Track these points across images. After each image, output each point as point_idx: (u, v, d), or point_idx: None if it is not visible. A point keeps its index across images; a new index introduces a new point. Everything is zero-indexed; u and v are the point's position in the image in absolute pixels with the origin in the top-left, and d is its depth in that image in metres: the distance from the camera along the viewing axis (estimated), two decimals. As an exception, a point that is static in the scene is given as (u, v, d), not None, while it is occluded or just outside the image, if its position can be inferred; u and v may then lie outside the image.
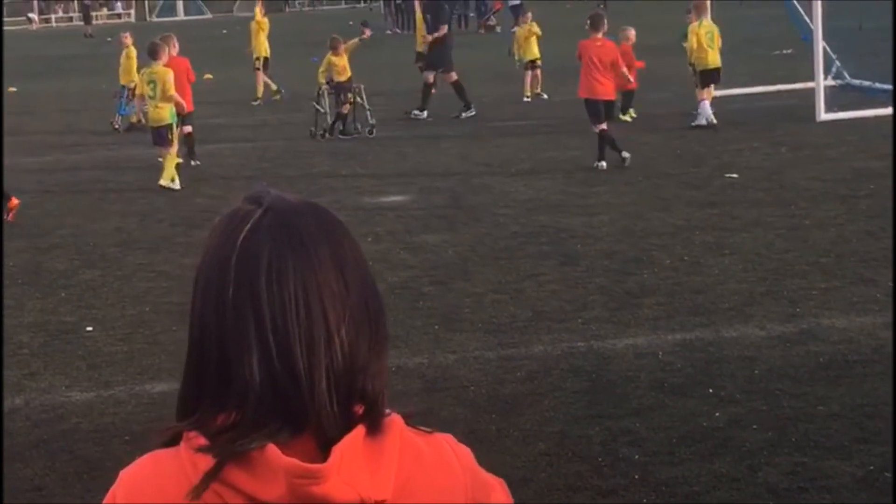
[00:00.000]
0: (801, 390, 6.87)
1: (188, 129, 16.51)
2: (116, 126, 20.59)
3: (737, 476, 5.82)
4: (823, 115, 17.34)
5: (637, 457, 6.10)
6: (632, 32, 19.12)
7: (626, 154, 14.56)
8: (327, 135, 18.62)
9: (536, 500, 5.72)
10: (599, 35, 15.02)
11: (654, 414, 6.65)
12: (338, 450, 1.53)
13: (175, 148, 14.92)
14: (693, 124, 17.31)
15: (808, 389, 6.87)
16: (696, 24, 17.74)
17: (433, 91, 20.62)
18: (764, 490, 5.68)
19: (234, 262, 1.57)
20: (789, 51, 25.57)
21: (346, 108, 18.83)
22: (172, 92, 14.64)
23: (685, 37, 18.78)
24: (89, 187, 15.12)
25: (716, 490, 5.70)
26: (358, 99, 18.96)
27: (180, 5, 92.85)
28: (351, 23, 52.05)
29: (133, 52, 20.80)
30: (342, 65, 19.07)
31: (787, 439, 6.20)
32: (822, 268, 9.48)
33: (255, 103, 23.45)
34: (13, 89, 29.93)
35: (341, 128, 18.75)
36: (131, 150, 18.58)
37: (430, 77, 20.61)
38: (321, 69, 19.12)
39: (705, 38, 17.64)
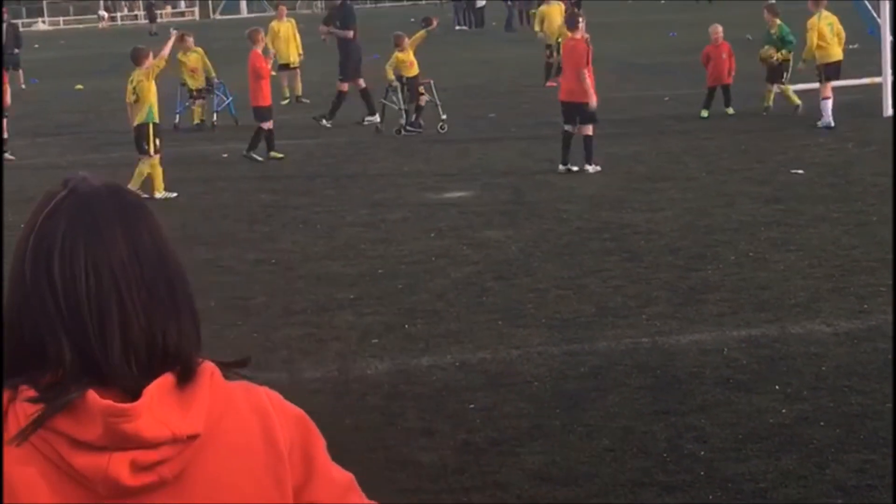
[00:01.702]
0: (869, 387, 6.79)
1: (268, 125, 16.76)
2: (176, 123, 20.80)
3: (804, 473, 5.76)
4: (891, 111, 17.13)
5: (702, 453, 6.06)
6: (718, 29, 18.94)
7: (589, 167, 14.32)
8: (404, 130, 18.64)
9: (601, 496, 5.70)
10: (577, 35, 14.60)
11: (720, 410, 6.60)
12: (148, 391, 1.66)
13: (158, 157, 14.60)
14: (820, 125, 16.66)
15: (876, 387, 6.79)
16: (815, 17, 17.11)
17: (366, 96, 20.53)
18: (832, 487, 5.62)
19: (32, 239, 1.71)
20: (856, 46, 25.23)
21: (423, 100, 18.84)
22: (149, 94, 14.49)
23: (775, 36, 18.38)
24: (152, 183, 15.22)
25: (783, 487, 5.65)
26: (427, 94, 18.98)
27: (244, 3, 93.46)
28: (412, 19, 52.11)
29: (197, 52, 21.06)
30: (409, 60, 19.09)
31: (856, 436, 6.13)
32: (890, 265, 9.35)
33: (283, 103, 23.39)
34: (80, 87, 30.31)
35: (412, 120, 18.74)
36: (195, 147, 18.75)
37: (345, 86, 20.32)
38: (389, 66, 19.12)
39: (827, 31, 17.09)
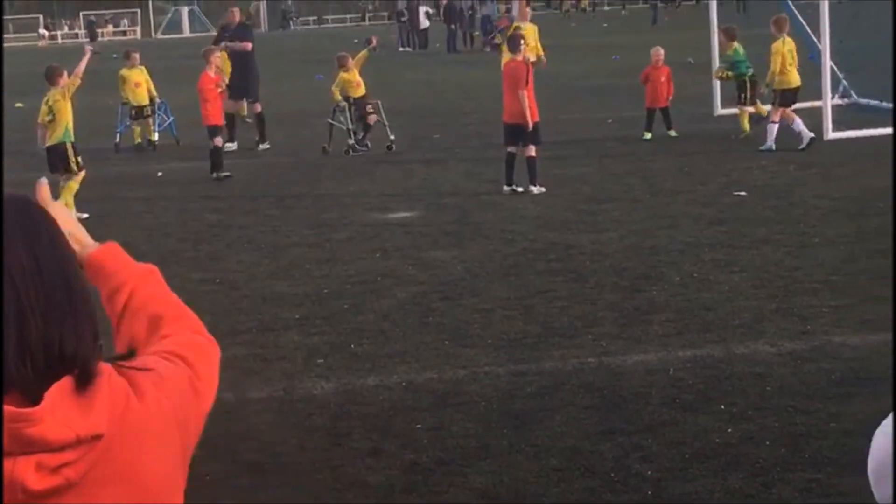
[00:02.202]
0: (813, 407, 6.85)
1: (218, 141, 16.90)
2: (117, 142, 20.68)
3: (750, 492, 5.80)
4: (831, 134, 17.35)
5: (649, 473, 6.07)
6: (660, 51, 19.15)
7: (533, 188, 14.35)
8: (352, 151, 18.60)
9: (549, 515, 5.70)
10: (518, 57, 14.73)
11: (667, 430, 6.62)
12: (49, 395, 1.70)
13: (80, 176, 14.48)
14: (763, 148, 16.76)
15: (820, 406, 6.85)
16: (779, 42, 17.22)
17: (248, 121, 20.56)
18: (778, 507, 5.65)
19: None
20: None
21: (372, 119, 18.85)
22: (65, 113, 14.36)
23: (735, 65, 18.52)
24: (97, 203, 15.09)
25: (729, 506, 5.67)
26: (375, 114, 18.99)
27: (186, 22, 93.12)
28: (356, 40, 52.14)
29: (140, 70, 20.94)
30: (355, 80, 19.07)
31: (801, 456, 6.17)
32: (832, 286, 9.46)
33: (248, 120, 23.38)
34: (20, 105, 30.00)
35: (355, 141, 18.73)
36: (137, 166, 18.63)
37: (258, 106, 20.14)
38: (335, 86, 19.09)
39: (789, 56, 17.23)
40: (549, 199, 14.06)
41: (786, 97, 17.09)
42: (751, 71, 18.45)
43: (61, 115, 14.34)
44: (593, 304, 9.34)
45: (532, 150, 14.37)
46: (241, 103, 20.29)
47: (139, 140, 20.94)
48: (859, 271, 9.85)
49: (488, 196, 14.45)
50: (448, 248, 11.71)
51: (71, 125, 14.41)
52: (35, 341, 1.73)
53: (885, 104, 20.13)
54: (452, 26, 49.63)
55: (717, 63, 20.83)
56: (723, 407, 6.93)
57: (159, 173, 17.51)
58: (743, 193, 13.63)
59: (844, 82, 21.30)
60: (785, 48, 17.20)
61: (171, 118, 21.52)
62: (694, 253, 10.86)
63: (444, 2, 54.36)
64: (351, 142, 18.70)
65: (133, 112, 20.81)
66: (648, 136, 18.60)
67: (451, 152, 18.43)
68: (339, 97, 18.98)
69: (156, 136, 20.92)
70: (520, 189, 14.40)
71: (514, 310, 9.29)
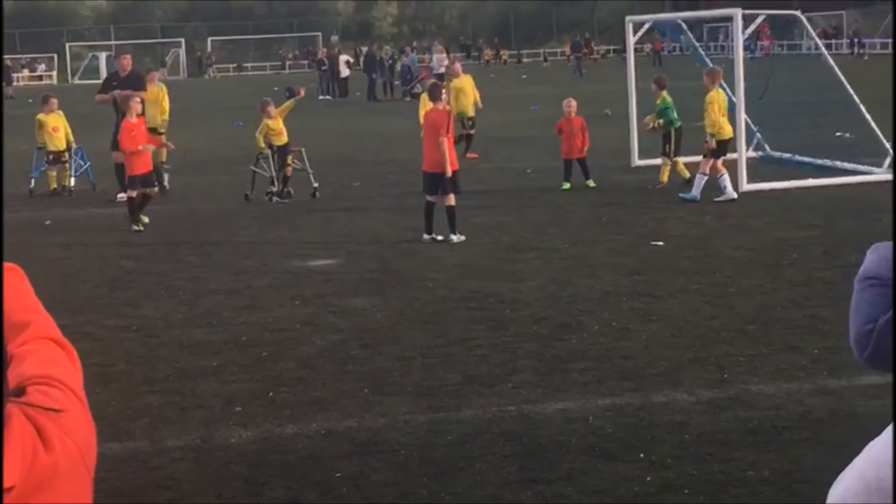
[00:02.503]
0: (730, 455, 6.90)
1: (130, 193, 16.56)
2: (31, 188, 20.44)
3: (670, 540, 5.81)
4: (746, 186, 17.63)
5: (570, 521, 6.07)
6: (572, 103, 19.37)
7: (453, 237, 14.43)
8: (275, 198, 18.51)
9: (469, 564, 5.66)
10: (439, 106, 14.81)
11: (586, 478, 6.63)
12: None
13: None
14: (686, 196, 16.95)
15: (737, 454, 6.90)
16: (713, 92, 17.40)
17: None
18: (697, 554, 5.67)
19: None
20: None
21: (289, 170, 18.80)
22: None
23: (663, 111, 18.68)
24: (12, 248, 14.84)
25: (649, 554, 5.68)
26: (296, 162, 18.96)
27: (103, 68, 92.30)
28: (276, 88, 52.02)
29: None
30: (279, 128, 19.01)
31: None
32: (749, 335, 9.58)
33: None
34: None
35: (281, 189, 18.67)
36: (53, 212, 18.39)
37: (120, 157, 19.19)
38: (259, 133, 19.02)
39: (723, 107, 17.44)
40: (470, 247, 14.10)
41: (719, 148, 17.32)
42: (678, 123, 18.67)
43: None
44: (513, 352, 9.36)
45: (452, 199, 14.41)
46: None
47: (55, 185, 20.70)
48: (774, 321, 9.98)
49: (409, 244, 14.46)
50: (368, 295, 11.69)
51: None
52: None
53: (796, 157, 20.56)
54: (373, 75, 49.81)
55: (634, 115, 21.14)
56: (642, 455, 6.95)
57: (47, 222, 17.24)
58: (660, 243, 13.78)
59: (759, 136, 21.70)
60: (719, 98, 17.43)
61: (88, 163, 21.30)
62: (613, 302, 10.94)
63: (365, 51, 54.57)
64: (274, 189, 18.63)
65: (50, 157, 20.59)
66: (567, 186, 18.77)
67: (371, 200, 18.45)
68: (263, 144, 18.90)
69: (72, 182, 20.69)
70: (440, 238, 14.43)
71: (435, 358, 9.27)
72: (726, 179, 17.04)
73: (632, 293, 11.27)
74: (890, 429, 2.44)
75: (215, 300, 11.73)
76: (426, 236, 14.50)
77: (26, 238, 15.83)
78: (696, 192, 16.96)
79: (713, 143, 17.27)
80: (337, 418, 7.86)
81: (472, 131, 24.48)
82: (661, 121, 18.71)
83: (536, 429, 7.52)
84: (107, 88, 20.40)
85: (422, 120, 19.70)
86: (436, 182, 14.47)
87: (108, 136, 19.48)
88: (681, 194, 17.06)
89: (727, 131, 17.44)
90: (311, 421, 7.83)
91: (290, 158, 18.91)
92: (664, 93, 18.92)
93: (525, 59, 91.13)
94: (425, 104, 22.24)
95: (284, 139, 19.03)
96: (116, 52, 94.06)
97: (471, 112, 24.52)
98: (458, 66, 26.13)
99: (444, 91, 15.21)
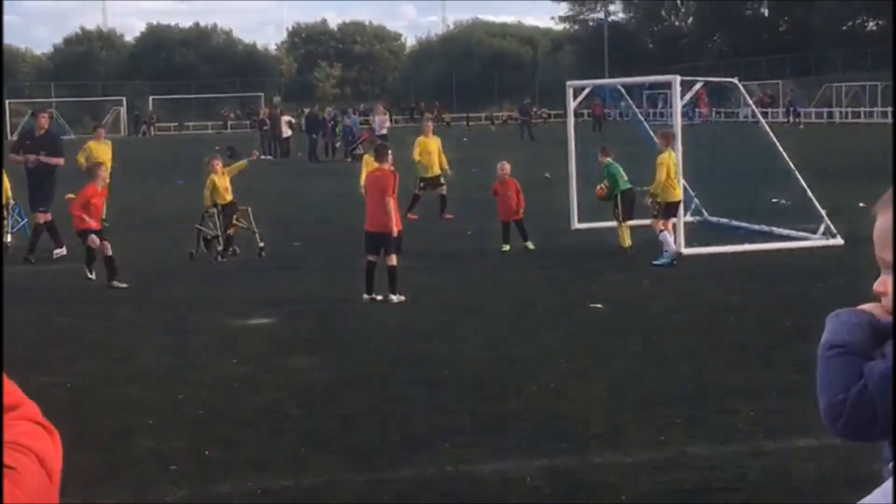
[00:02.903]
0: (667, 517, 6.91)
1: (93, 240, 16.52)
2: None
3: None
4: (684, 250, 17.79)
5: (506, 582, 6.04)
6: (506, 166, 19.48)
7: (393, 297, 14.41)
8: (220, 257, 18.39)
9: None
10: (385, 166, 14.78)
11: (524, 539, 6.61)
12: None
13: None
14: (661, 261, 16.92)
15: (674, 516, 6.92)
16: (665, 153, 17.49)
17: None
18: None
19: None
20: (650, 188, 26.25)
21: (233, 230, 18.69)
22: None
23: (609, 176, 18.75)
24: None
25: None
26: (242, 221, 18.89)
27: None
28: (217, 147, 51.88)
29: None
30: (225, 186, 18.93)
31: (655, 565, 6.21)
32: (686, 397, 9.62)
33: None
34: None
35: (222, 249, 18.58)
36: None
37: (41, 217, 19.33)
38: (206, 190, 18.91)
39: (674, 169, 17.59)
40: (409, 308, 14.10)
41: (669, 210, 17.45)
42: (625, 187, 18.75)
43: None
44: (451, 413, 9.34)
45: (393, 259, 14.43)
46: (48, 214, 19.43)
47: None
48: (711, 384, 10.05)
49: (348, 304, 14.43)
50: (307, 355, 11.63)
51: None
52: None
53: (733, 223, 20.81)
54: (314, 136, 49.89)
55: (573, 178, 21.32)
56: (579, 516, 6.95)
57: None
58: (599, 306, 13.85)
59: (696, 201, 21.96)
60: (671, 160, 17.58)
61: (25, 220, 21.12)
62: (551, 363, 10.96)
63: (307, 111, 54.68)
64: (220, 248, 18.52)
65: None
66: (506, 248, 18.85)
67: (311, 260, 18.40)
68: (209, 203, 18.78)
69: (9, 238, 20.48)
70: (379, 298, 14.42)
71: (372, 418, 9.23)
72: (669, 238, 17.17)
73: (570, 355, 11.31)
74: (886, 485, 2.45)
75: (152, 358, 11.63)
76: (366, 296, 14.48)
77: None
78: (670, 248, 17.04)
79: (649, 202, 17.53)
80: (273, 477, 7.79)
81: (443, 192, 24.70)
82: (606, 183, 18.77)
83: (474, 489, 7.49)
84: (20, 148, 20.03)
85: (363, 180, 19.80)
86: (378, 242, 14.46)
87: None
88: (654, 262, 16.99)
89: (676, 193, 17.59)
90: (246, 480, 7.76)
91: (235, 217, 18.82)
92: (608, 159, 19.05)
93: (470, 123, 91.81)
94: (368, 165, 22.38)
95: (230, 197, 18.96)
96: (55, 107, 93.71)
97: (434, 172, 24.67)
98: (429, 125, 26.33)
99: (389, 152, 15.14)
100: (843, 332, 2.59)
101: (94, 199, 16.72)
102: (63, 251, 19.25)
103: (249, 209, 19.18)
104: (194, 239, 18.82)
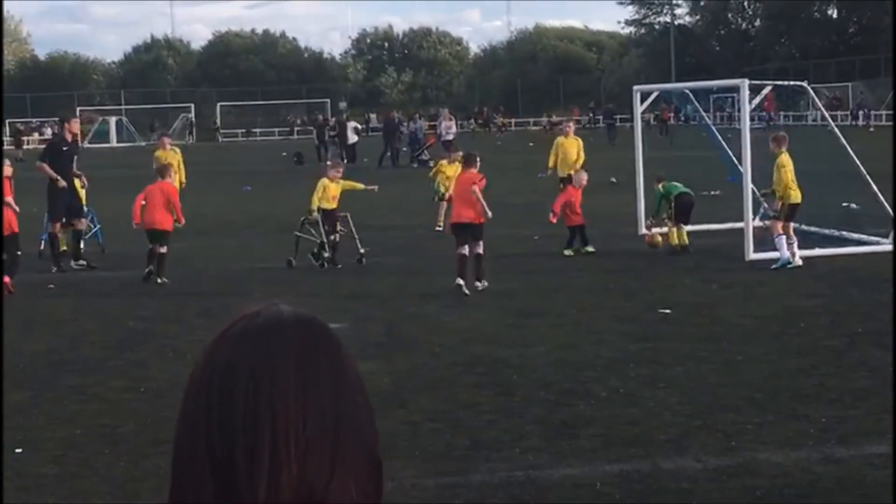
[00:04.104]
0: (738, 523, 6.88)
1: (164, 249, 17.33)
2: (41, 249, 20.52)
3: None
4: (752, 255, 17.66)
5: (577, 587, 6.05)
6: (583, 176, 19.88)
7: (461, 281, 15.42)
8: (327, 263, 18.26)
9: None
10: (473, 170, 16.30)
11: (594, 544, 6.61)
12: None
13: None
14: (775, 267, 16.82)
15: (745, 522, 6.89)
16: (784, 156, 17.31)
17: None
18: None
19: (199, 366, 1.51)
20: (717, 192, 26.11)
21: (336, 237, 18.51)
22: None
23: (661, 197, 19.11)
24: (20, 309, 14.92)
25: None
26: (342, 228, 18.72)
27: (113, 132, 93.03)
28: (284, 153, 52.34)
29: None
30: (334, 194, 18.81)
31: (727, 571, 6.19)
32: (756, 403, 9.57)
33: None
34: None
35: (330, 256, 18.43)
36: (63, 273, 18.44)
37: (57, 227, 19.17)
38: (316, 196, 18.63)
39: (792, 171, 17.38)
40: (477, 312, 14.13)
41: (791, 211, 17.32)
42: (677, 191, 18.86)
43: None
44: (520, 417, 9.36)
45: (481, 247, 15.71)
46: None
47: (65, 247, 20.76)
48: (782, 389, 9.98)
49: (415, 308, 14.49)
50: (375, 359, 11.69)
51: None
52: (284, 488, 1.42)
53: (803, 227, 20.60)
54: (394, 143, 49.63)
55: (641, 182, 21.24)
56: (649, 521, 6.94)
57: (50, 286, 17.21)
58: (667, 311, 13.80)
59: (765, 205, 21.77)
60: (790, 163, 17.37)
61: (98, 226, 21.41)
62: (620, 368, 10.94)
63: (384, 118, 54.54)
64: (326, 255, 18.40)
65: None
66: (569, 252, 18.94)
67: (378, 265, 18.47)
68: (316, 207, 18.49)
69: (82, 245, 20.75)
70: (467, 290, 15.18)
71: (442, 422, 9.27)
72: (795, 246, 17.03)
73: (639, 360, 11.28)
74: None
75: (223, 363, 11.72)
76: (460, 281, 15.37)
77: (35, 298, 15.89)
78: (784, 256, 16.90)
79: (778, 205, 17.43)
80: (344, 482, 7.83)
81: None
82: (660, 215, 19.31)
83: (544, 494, 7.51)
84: (54, 156, 19.24)
85: (440, 182, 22.05)
86: (469, 231, 15.76)
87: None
88: (772, 266, 16.91)
89: (796, 195, 17.44)
90: (318, 484, 7.80)
91: (337, 223, 18.66)
92: (660, 185, 19.34)
93: (532, 128, 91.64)
94: (444, 169, 22.68)
95: (335, 204, 18.81)
96: (125, 115, 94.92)
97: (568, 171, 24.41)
98: (570, 125, 26.23)
99: (478, 159, 16.63)
100: None
101: (174, 196, 17.37)
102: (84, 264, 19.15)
103: (348, 215, 19.09)
104: (293, 246, 18.69)
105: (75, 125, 20.47)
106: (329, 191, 18.73)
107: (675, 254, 18.36)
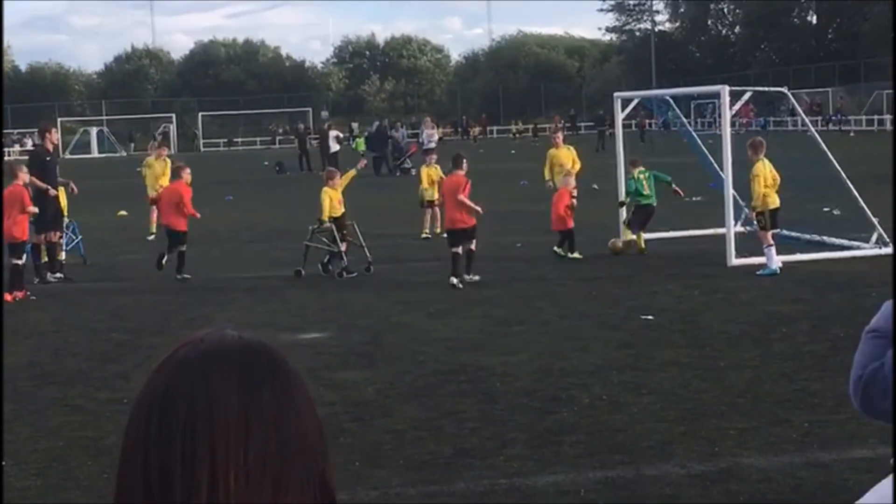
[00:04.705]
0: (722, 528, 6.90)
1: (183, 247, 18.57)
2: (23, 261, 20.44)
3: None
4: (734, 261, 17.72)
5: None
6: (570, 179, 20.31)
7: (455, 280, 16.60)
8: (346, 273, 18.09)
9: None
10: (460, 172, 17.37)
11: (579, 551, 6.63)
12: None
13: None
14: (765, 272, 16.87)
15: (729, 527, 6.91)
16: (760, 164, 17.34)
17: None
18: None
19: (140, 395, 1.45)
20: (699, 198, 26.20)
21: (345, 246, 18.33)
22: None
23: (637, 185, 19.55)
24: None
25: None
26: (350, 237, 18.59)
27: (94, 142, 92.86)
28: (266, 163, 52.28)
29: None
30: (339, 198, 18.72)
31: (711, 577, 6.21)
32: (739, 408, 9.60)
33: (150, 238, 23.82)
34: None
35: (346, 265, 18.29)
36: (43, 285, 18.39)
37: (44, 237, 18.87)
38: (325, 204, 18.48)
39: (770, 177, 17.40)
40: (459, 320, 14.15)
41: (773, 218, 17.35)
42: (647, 200, 19.55)
43: None
44: (504, 425, 9.37)
45: (473, 245, 16.98)
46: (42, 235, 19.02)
47: (45, 259, 20.69)
48: (764, 394, 10.02)
49: (398, 318, 14.50)
50: (359, 368, 11.70)
51: None
52: None
53: (784, 232, 20.66)
54: (385, 150, 49.57)
55: (622, 189, 21.30)
56: (634, 528, 6.95)
57: (32, 297, 17.13)
58: (650, 317, 13.83)
59: (746, 210, 21.83)
60: (765, 170, 17.44)
61: (80, 237, 21.36)
62: (603, 375, 10.96)
63: (375, 125, 54.39)
64: (344, 263, 18.25)
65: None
66: (561, 251, 19.43)
67: (361, 274, 18.46)
68: (328, 215, 18.37)
69: (63, 256, 20.70)
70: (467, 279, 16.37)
71: (426, 431, 9.28)
72: (773, 253, 17.09)
73: (622, 367, 11.31)
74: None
75: (206, 373, 11.70)
76: (454, 279, 16.59)
77: (16, 310, 15.83)
78: (772, 265, 16.97)
79: (752, 216, 17.68)
80: (328, 491, 7.83)
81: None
82: (627, 199, 19.92)
83: (528, 502, 7.52)
84: (40, 167, 18.91)
85: (426, 187, 22.99)
86: (463, 235, 16.91)
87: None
88: (758, 272, 16.95)
89: (774, 201, 17.46)
90: (302, 494, 7.80)
91: (344, 232, 18.50)
92: (635, 171, 19.85)
93: (514, 135, 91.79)
94: (428, 176, 22.95)
95: (342, 210, 18.75)
96: (105, 125, 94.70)
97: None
98: (559, 136, 25.98)
99: (465, 160, 17.59)
100: (881, 319, 2.75)
101: (185, 196, 18.64)
102: (61, 276, 19.00)
103: (354, 223, 19.09)
104: (302, 256, 18.53)
105: (55, 135, 20.58)
106: (335, 198, 18.65)
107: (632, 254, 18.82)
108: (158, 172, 24.37)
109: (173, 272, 18.68)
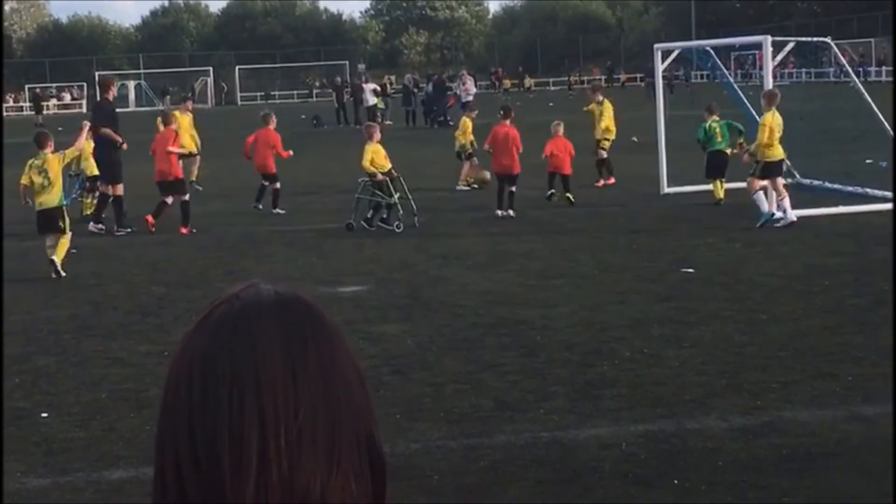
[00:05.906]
0: (765, 482, 6.86)
1: (277, 185, 20.75)
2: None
3: (705, 567, 5.77)
4: (776, 214, 17.53)
5: (604, 547, 6.04)
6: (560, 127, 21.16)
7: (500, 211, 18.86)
8: (401, 226, 18.02)
9: (504, 590, 5.64)
10: (508, 122, 19.53)
11: (620, 504, 6.60)
12: None
13: (68, 236, 15.25)
14: (759, 224, 16.84)
15: (772, 482, 6.86)
16: (769, 114, 17.19)
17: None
18: (733, 581, 5.63)
19: (177, 358, 1.37)
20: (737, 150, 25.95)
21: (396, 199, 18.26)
22: (59, 178, 15.35)
23: (706, 132, 19.58)
24: (44, 275, 14.95)
25: (685, 581, 5.65)
26: (399, 190, 18.50)
27: (132, 96, 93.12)
28: (303, 116, 52.28)
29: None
30: (384, 153, 18.62)
31: (755, 531, 6.17)
32: (781, 361, 9.53)
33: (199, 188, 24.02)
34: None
35: (386, 216, 18.29)
36: (83, 239, 18.46)
37: (110, 189, 19.27)
38: (366, 161, 18.33)
39: (777, 130, 17.25)
40: (498, 274, 14.10)
41: (768, 169, 17.21)
42: (716, 146, 19.49)
43: (56, 179, 15.17)
44: (544, 378, 9.34)
45: (514, 187, 19.13)
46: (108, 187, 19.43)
47: (89, 212, 20.75)
48: (807, 348, 9.93)
49: (437, 271, 14.47)
50: (398, 322, 11.69)
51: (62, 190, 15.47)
52: (273, 487, 1.29)
53: (826, 184, 20.48)
54: (435, 107, 49.32)
55: (662, 142, 21.10)
56: (676, 482, 6.92)
57: (73, 250, 17.12)
58: (691, 270, 13.74)
59: (788, 163, 21.61)
60: (773, 121, 17.27)
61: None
62: (643, 328, 10.90)
63: (434, 78, 54.06)
64: (401, 213, 18.14)
65: (88, 184, 20.67)
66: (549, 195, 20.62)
67: (406, 227, 18.39)
68: (372, 169, 18.22)
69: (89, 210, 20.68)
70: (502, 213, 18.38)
71: (466, 384, 9.26)
72: (787, 202, 16.96)
73: (662, 320, 11.24)
74: None
75: (246, 326, 11.72)
76: (499, 212, 18.92)
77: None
78: (764, 209, 16.94)
79: (745, 159, 17.80)
80: (369, 444, 7.83)
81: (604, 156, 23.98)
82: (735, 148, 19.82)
83: (569, 455, 7.49)
84: (111, 117, 19.58)
85: (464, 140, 24.15)
86: (508, 179, 19.17)
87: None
88: (757, 224, 16.85)
89: (777, 153, 17.31)
90: (343, 446, 7.81)
91: (393, 185, 18.37)
92: (710, 118, 19.89)
93: (552, 88, 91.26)
94: (466, 126, 23.22)
95: (389, 165, 18.64)
96: (143, 79, 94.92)
97: (608, 136, 23.77)
98: (597, 93, 25.65)
99: (512, 111, 20.00)
100: None
101: (277, 142, 20.94)
102: (130, 228, 19.13)
103: (400, 177, 18.89)
104: (353, 209, 18.42)
105: (115, 89, 21.42)
106: (380, 153, 18.52)
107: (710, 216, 18.30)
108: (186, 126, 24.41)
109: (215, 225, 18.71)
